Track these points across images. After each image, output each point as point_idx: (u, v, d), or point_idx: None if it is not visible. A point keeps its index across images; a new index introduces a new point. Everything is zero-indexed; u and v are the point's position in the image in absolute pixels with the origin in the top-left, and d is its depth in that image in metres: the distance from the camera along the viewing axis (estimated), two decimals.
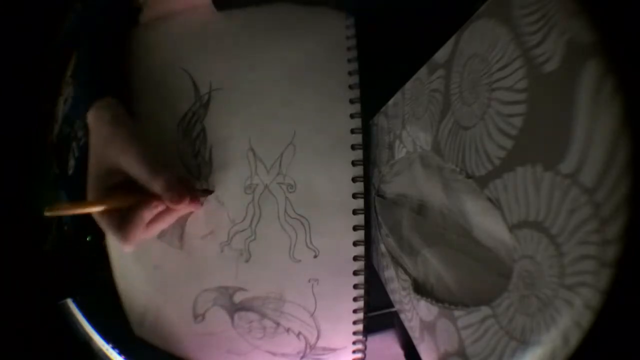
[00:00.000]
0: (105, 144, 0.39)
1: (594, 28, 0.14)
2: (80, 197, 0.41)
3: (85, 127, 0.41)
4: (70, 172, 0.44)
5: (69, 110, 0.43)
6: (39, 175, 0.46)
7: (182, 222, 0.43)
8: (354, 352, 0.44)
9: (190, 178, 0.43)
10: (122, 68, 0.45)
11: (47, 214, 0.33)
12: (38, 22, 0.42)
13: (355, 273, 0.42)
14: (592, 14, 0.14)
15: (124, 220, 0.38)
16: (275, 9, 0.44)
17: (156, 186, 0.38)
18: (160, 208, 0.39)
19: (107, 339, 0.44)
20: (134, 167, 0.38)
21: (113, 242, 0.46)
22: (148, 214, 0.38)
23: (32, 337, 0.40)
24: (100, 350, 0.44)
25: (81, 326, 0.44)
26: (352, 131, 0.42)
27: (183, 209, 0.40)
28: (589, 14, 0.14)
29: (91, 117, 0.41)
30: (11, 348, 0.38)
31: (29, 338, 0.40)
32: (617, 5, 0.14)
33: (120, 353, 0.44)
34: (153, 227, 0.40)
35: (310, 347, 0.44)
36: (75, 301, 0.45)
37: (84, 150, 0.41)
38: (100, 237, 0.45)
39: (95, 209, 0.37)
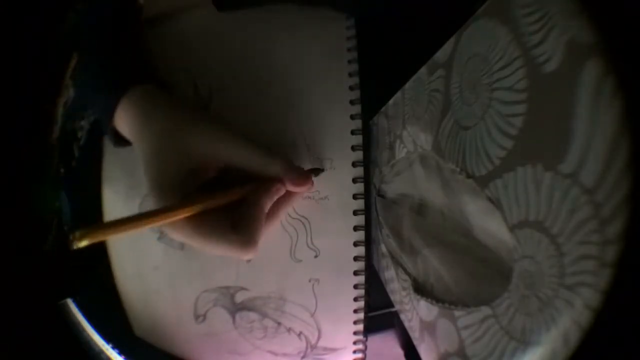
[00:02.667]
0: (180, 134, 0.31)
1: (594, 28, 0.14)
2: (80, 197, 0.41)
3: (114, 135, 0.35)
4: (71, 172, 0.44)
5: (76, 103, 0.37)
6: (39, 175, 0.46)
7: None
8: (354, 352, 0.44)
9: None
10: (147, 55, 0.39)
11: (80, 243, 0.24)
12: (38, 22, 0.42)
13: (355, 273, 0.42)
14: (592, 14, 0.14)
15: (238, 222, 0.31)
16: (276, 10, 0.44)
17: (275, 168, 0.32)
18: (282, 192, 0.33)
19: (107, 339, 0.44)
20: (242, 151, 0.32)
21: (113, 242, 0.46)
22: (269, 202, 0.32)
23: (32, 337, 0.40)
24: (101, 350, 0.44)
25: (81, 326, 0.44)
26: (353, 132, 0.42)
27: (300, 192, 0.36)
28: (589, 14, 0.14)
29: (129, 110, 0.33)
30: (11, 348, 0.38)
31: (29, 338, 0.40)
32: (617, 5, 0.14)
33: (120, 353, 0.44)
34: (272, 221, 0.34)
35: (311, 347, 0.44)
36: (75, 301, 0.45)
37: (85, 150, 0.41)
38: None
39: (188, 212, 0.28)
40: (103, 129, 0.37)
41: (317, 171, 0.41)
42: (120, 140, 0.37)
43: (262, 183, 0.33)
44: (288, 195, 0.35)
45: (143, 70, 0.37)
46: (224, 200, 0.31)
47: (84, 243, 0.24)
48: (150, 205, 0.31)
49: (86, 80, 0.38)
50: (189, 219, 0.29)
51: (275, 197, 0.33)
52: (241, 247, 0.30)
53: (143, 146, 0.32)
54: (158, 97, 0.34)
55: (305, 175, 0.34)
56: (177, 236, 0.30)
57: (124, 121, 0.34)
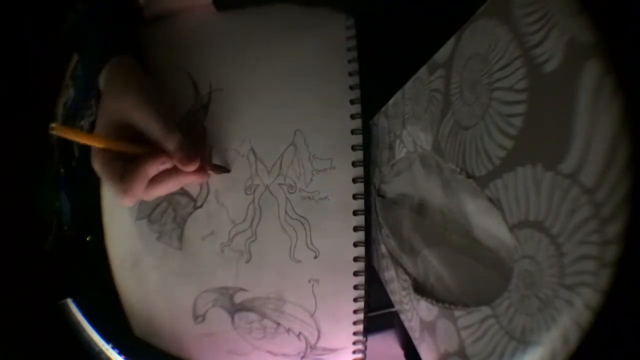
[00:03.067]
0: (119, 96, 0.38)
1: (594, 28, 0.14)
2: (80, 197, 0.41)
3: (96, 91, 0.41)
4: (71, 172, 0.44)
5: (79, 76, 0.43)
6: (39, 175, 0.46)
7: (182, 223, 0.43)
8: (354, 352, 0.44)
9: (208, 149, 0.43)
10: (134, 32, 0.45)
11: (53, 132, 0.32)
12: (38, 22, 0.42)
13: (355, 274, 0.42)
14: (592, 14, 0.14)
15: (126, 173, 0.37)
16: (276, 10, 0.44)
17: (169, 143, 0.37)
18: (167, 165, 0.38)
19: (107, 339, 0.44)
20: (147, 121, 0.37)
21: (113, 243, 0.46)
22: (153, 169, 0.37)
23: (32, 337, 0.40)
24: (100, 350, 0.44)
25: (81, 326, 0.44)
26: (353, 132, 0.42)
27: (189, 175, 0.39)
28: (589, 14, 0.14)
29: (105, 74, 0.40)
30: (11, 348, 0.38)
31: (29, 338, 0.40)
32: (617, 5, 0.14)
33: (120, 353, 0.44)
34: (154, 187, 0.39)
35: (311, 347, 0.44)
36: (75, 301, 0.45)
37: (85, 150, 0.41)
38: (100, 237, 0.45)
39: (98, 144, 0.36)
40: (90, 89, 0.43)
41: (220, 169, 0.42)
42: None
43: (155, 152, 0.38)
44: (176, 171, 0.39)
45: (126, 43, 0.43)
46: (123, 149, 0.37)
47: (54, 133, 0.32)
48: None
49: (86, 50, 0.44)
50: (101, 154, 0.37)
51: (161, 167, 0.38)
52: (118, 192, 0.37)
53: (101, 100, 0.40)
54: (125, 66, 0.41)
55: (192, 158, 0.38)
56: (93, 165, 0.38)
57: (101, 80, 0.41)
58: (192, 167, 0.38)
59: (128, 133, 0.38)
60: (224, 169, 0.42)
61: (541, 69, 0.16)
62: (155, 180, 0.38)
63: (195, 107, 0.44)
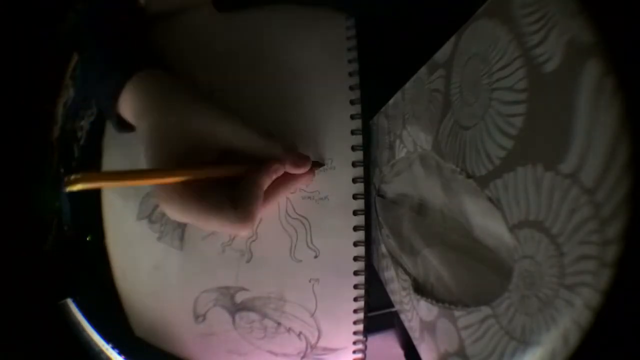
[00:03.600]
0: (182, 113, 0.32)
1: (594, 28, 0.14)
2: (80, 197, 0.41)
3: (116, 117, 0.35)
4: (71, 172, 0.44)
5: (88, 91, 0.38)
6: (39, 176, 0.46)
7: (182, 223, 0.43)
8: (354, 352, 0.44)
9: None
10: (150, 42, 0.40)
11: (74, 187, 0.24)
12: (38, 22, 0.42)
13: (355, 273, 0.42)
14: (592, 14, 0.14)
15: (235, 198, 0.31)
16: (276, 10, 0.44)
17: (275, 149, 0.33)
18: (281, 172, 0.34)
19: (107, 339, 0.44)
20: (242, 132, 0.32)
21: (114, 243, 0.46)
22: (267, 180, 0.33)
23: (32, 337, 0.40)
24: (100, 350, 0.44)
25: (81, 326, 0.44)
26: (353, 132, 0.42)
27: (301, 178, 0.37)
28: (589, 14, 0.14)
29: (135, 92, 0.33)
30: (11, 348, 0.38)
31: (29, 338, 0.40)
32: (617, 5, 0.14)
33: (120, 353, 0.44)
34: (268, 201, 0.34)
35: (311, 347, 0.44)
36: (75, 301, 0.45)
37: (85, 150, 0.41)
38: (100, 237, 0.45)
39: (182, 177, 0.28)
40: (106, 115, 0.37)
41: (317, 164, 0.41)
42: (124, 125, 0.37)
43: (261, 162, 0.34)
44: (287, 177, 0.36)
45: (148, 56, 0.38)
46: (219, 173, 0.31)
47: (77, 187, 0.24)
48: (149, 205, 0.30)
49: (90, 69, 0.38)
50: (182, 191, 0.29)
51: (274, 176, 0.34)
52: (239, 222, 0.31)
53: (145, 124, 0.32)
54: (163, 79, 0.35)
55: (305, 158, 0.35)
56: (174, 209, 0.30)
57: (128, 104, 0.34)
58: (308, 166, 0.35)
59: (212, 155, 0.33)
60: (321, 164, 0.41)
61: (541, 69, 0.16)
62: (267, 192, 0.34)
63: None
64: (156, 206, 0.43)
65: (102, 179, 0.26)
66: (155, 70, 0.36)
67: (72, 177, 0.24)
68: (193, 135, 0.32)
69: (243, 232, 0.32)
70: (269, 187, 0.34)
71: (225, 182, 0.33)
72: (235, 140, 0.33)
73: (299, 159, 0.35)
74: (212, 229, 0.33)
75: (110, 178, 0.26)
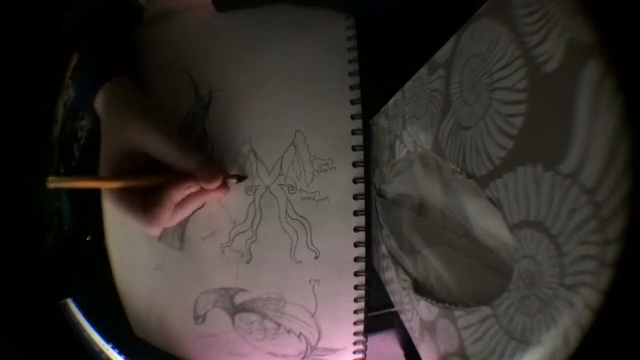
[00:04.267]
0: (122, 124, 0.37)
1: (594, 28, 0.14)
2: (80, 197, 0.41)
3: (92, 117, 0.40)
4: (71, 172, 0.44)
5: (75, 100, 0.42)
6: (39, 175, 0.46)
7: (183, 223, 0.43)
8: (354, 352, 0.44)
9: (221, 161, 0.42)
10: (129, 52, 0.44)
11: (51, 185, 0.32)
12: (38, 22, 0.42)
13: (356, 274, 0.42)
14: (592, 14, 0.14)
15: (149, 202, 0.36)
16: (276, 10, 0.44)
17: (188, 164, 0.36)
18: (193, 189, 0.37)
19: (107, 339, 0.44)
20: (160, 145, 0.36)
21: (113, 242, 0.46)
22: (178, 194, 0.36)
23: (32, 337, 0.40)
24: (100, 350, 0.44)
25: (81, 326, 0.44)
26: (353, 132, 0.42)
27: (213, 192, 0.39)
28: (589, 14, 0.14)
29: (101, 99, 0.38)
30: (11, 348, 0.38)
31: (29, 338, 0.40)
32: (617, 5, 0.14)
33: (120, 353, 0.44)
34: (179, 212, 0.38)
35: (312, 347, 0.44)
36: (75, 301, 0.45)
37: (85, 150, 0.41)
38: (100, 237, 0.45)
39: (115, 185, 0.35)
40: (85, 112, 0.42)
41: (239, 178, 0.42)
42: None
43: (176, 175, 0.37)
44: (199, 191, 0.38)
45: (121, 65, 0.42)
46: (144, 183, 0.36)
47: (51, 185, 0.32)
48: None
49: (82, 73, 0.43)
50: (117, 191, 0.36)
51: (187, 192, 0.37)
52: (145, 223, 0.36)
53: (102, 129, 0.39)
54: (122, 88, 0.40)
55: (215, 176, 0.38)
56: (110, 202, 0.37)
57: (97, 105, 0.40)
58: (217, 183, 0.38)
59: (136, 160, 0.37)
60: (242, 177, 0.42)
61: (541, 69, 0.16)
62: (179, 205, 0.38)
63: (196, 108, 0.44)
64: None
65: (66, 182, 0.34)
66: (122, 77, 0.40)
67: (49, 178, 0.32)
68: (128, 144, 0.37)
69: (150, 232, 0.38)
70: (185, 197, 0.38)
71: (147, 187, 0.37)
72: (155, 153, 0.37)
73: (211, 176, 0.37)
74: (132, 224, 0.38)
75: (71, 182, 0.34)
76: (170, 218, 0.37)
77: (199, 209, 0.42)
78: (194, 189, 0.37)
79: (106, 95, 0.38)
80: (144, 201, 0.36)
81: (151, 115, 0.38)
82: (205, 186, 0.37)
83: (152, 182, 0.36)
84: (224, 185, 0.40)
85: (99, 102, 0.39)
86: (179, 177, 0.37)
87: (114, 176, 0.36)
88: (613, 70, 0.13)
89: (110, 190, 0.36)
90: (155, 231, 0.38)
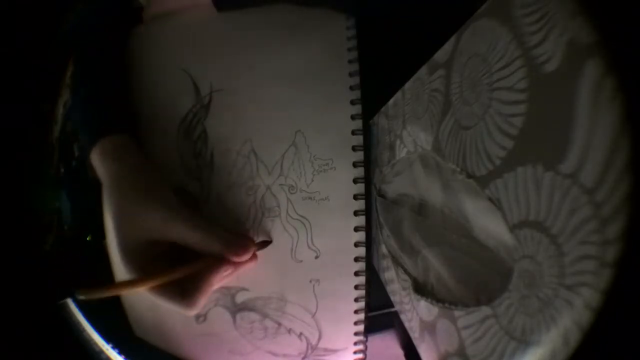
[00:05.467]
0: (141, 214, 0.35)
1: (594, 28, 0.14)
2: (80, 197, 0.41)
3: (90, 179, 0.38)
4: (71, 172, 0.44)
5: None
6: (39, 175, 0.46)
7: None
8: (354, 352, 0.44)
9: (243, 232, 0.42)
10: (126, 92, 0.42)
11: (81, 297, 0.31)
12: (38, 22, 0.42)
13: (356, 274, 0.42)
14: (592, 14, 0.14)
15: (186, 288, 0.35)
16: (276, 10, 0.44)
17: (216, 246, 0.36)
18: (230, 272, 0.36)
19: (107, 339, 0.44)
20: (185, 234, 0.35)
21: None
22: (217, 279, 0.36)
23: (32, 337, 0.40)
24: (100, 350, 0.44)
25: (81, 326, 0.44)
26: (353, 132, 0.42)
27: (244, 264, 0.38)
28: (589, 14, 0.14)
29: (103, 165, 0.37)
30: (11, 348, 0.38)
31: (29, 338, 0.40)
32: (617, 5, 0.14)
33: (120, 353, 0.44)
34: (216, 286, 0.37)
35: (312, 347, 0.44)
36: (75, 301, 0.45)
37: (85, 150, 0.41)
38: (100, 237, 0.45)
39: (147, 285, 0.33)
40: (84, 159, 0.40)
41: (265, 244, 0.41)
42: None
43: (212, 261, 0.36)
44: (234, 264, 0.37)
45: (121, 119, 0.41)
46: (178, 276, 0.34)
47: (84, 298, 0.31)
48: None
49: (76, 112, 0.42)
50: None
51: (225, 275, 0.36)
52: (182, 308, 0.35)
53: (110, 210, 0.37)
54: (127, 152, 0.38)
55: (246, 249, 0.37)
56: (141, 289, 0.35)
57: (96, 164, 0.38)
58: (249, 254, 0.38)
59: (159, 247, 0.36)
60: (268, 242, 0.42)
61: (541, 69, 0.16)
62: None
63: (196, 108, 0.44)
64: None
65: (98, 293, 0.32)
66: (123, 136, 0.38)
67: (79, 291, 0.31)
68: (146, 231, 0.35)
69: (189, 315, 0.38)
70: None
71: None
72: (179, 240, 0.36)
73: (242, 252, 0.37)
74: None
75: (103, 292, 0.32)
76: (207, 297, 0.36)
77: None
78: (231, 271, 0.37)
79: (108, 161, 0.37)
80: (180, 288, 0.35)
81: (170, 204, 0.36)
82: (238, 260, 0.37)
83: (186, 272, 0.35)
84: (254, 256, 0.39)
85: (100, 167, 0.37)
86: (213, 263, 0.36)
87: (146, 276, 0.34)
88: (613, 70, 0.13)
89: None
90: (191, 313, 0.36)
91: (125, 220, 0.36)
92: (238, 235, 0.38)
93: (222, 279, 0.37)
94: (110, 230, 0.37)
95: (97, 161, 0.37)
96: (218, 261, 0.36)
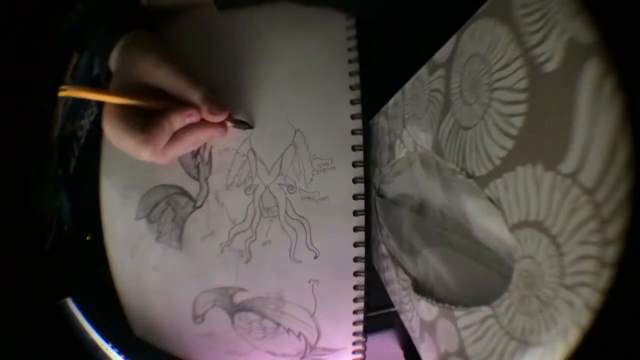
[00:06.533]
0: (136, 59, 0.38)
1: (594, 28, 0.14)
2: (80, 197, 0.41)
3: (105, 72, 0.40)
4: (71, 172, 0.44)
5: (82, 66, 0.43)
6: (39, 175, 0.46)
7: (181, 222, 0.43)
8: (353, 352, 0.44)
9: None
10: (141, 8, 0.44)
11: (62, 94, 0.32)
12: (38, 22, 0.42)
13: (355, 274, 0.42)
14: (592, 14, 0.14)
15: (148, 125, 0.36)
16: (276, 9, 0.44)
17: (196, 94, 0.37)
18: (194, 118, 0.38)
19: (107, 339, 0.44)
20: (170, 77, 0.37)
21: (113, 242, 0.46)
22: (179, 119, 0.37)
23: (32, 337, 0.40)
24: (100, 350, 0.44)
25: (81, 326, 0.44)
26: (353, 132, 0.42)
27: (211, 129, 0.40)
28: (589, 14, 0.14)
29: (118, 50, 0.39)
30: (11, 348, 0.38)
31: (29, 338, 0.40)
32: (617, 5, 0.14)
33: (120, 353, 0.44)
34: (174, 144, 0.39)
35: (311, 347, 0.44)
36: (75, 301, 0.45)
37: (85, 150, 0.41)
38: (100, 237, 0.45)
39: (119, 100, 0.35)
40: (99, 67, 0.42)
41: (243, 124, 0.42)
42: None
43: (181, 103, 0.38)
44: (197, 126, 0.39)
45: (137, 19, 0.43)
46: (148, 104, 0.37)
47: (64, 94, 0.33)
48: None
49: (92, 22, 0.43)
50: (116, 111, 0.36)
51: (187, 120, 0.38)
52: (139, 144, 0.37)
53: (115, 69, 0.40)
54: (141, 38, 0.40)
55: (219, 108, 0.38)
56: (105, 123, 0.37)
57: (114, 56, 0.40)
58: (222, 117, 0.39)
59: (146, 93, 0.38)
60: (246, 124, 0.42)
61: (541, 69, 0.16)
62: (175, 136, 0.38)
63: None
64: (155, 205, 0.44)
65: (76, 92, 0.34)
66: (141, 30, 0.41)
67: (62, 87, 0.33)
68: (142, 75, 0.38)
69: (142, 156, 0.38)
70: (178, 131, 0.38)
71: (150, 113, 0.38)
72: (165, 84, 0.38)
73: (215, 107, 0.38)
74: (124, 148, 0.38)
75: (81, 92, 0.35)
76: (165, 145, 0.38)
77: (193, 148, 0.42)
78: (195, 118, 0.38)
79: (124, 44, 0.39)
80: (144, 124, 0.37)
81: (167, 54, 0.39)
82: (207, 117, 0.38)
83: (157, 105, 0.37)
84: (224, 125, 0.41)
85: (116, 52, 0.39)
86: (181, 104, 0.38)
87: (121, 92, 0.37)
88: (613, 70, 0.13)
89: (113, 110, 0.36)
90: (148, 154, 0.37)
91: (122, 65, 0.39)
92: (219, 98, 0.39)
93: (182, 123, 0.38)
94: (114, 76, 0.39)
95: (119, 49, 0.39)
96: (186, 105, 0.38)
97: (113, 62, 0.40)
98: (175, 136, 0.38)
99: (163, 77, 0.37)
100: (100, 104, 0.43)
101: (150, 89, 0.38)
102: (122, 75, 0.38)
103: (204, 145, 0.43)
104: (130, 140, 0.37)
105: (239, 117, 0.42)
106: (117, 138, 0.37)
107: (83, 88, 0.35)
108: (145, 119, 0.37)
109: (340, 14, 0.43)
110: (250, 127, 0.42)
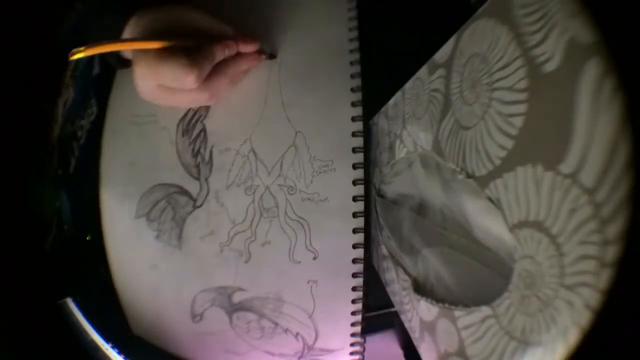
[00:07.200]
0: (166, 12, 0.38)
1: (594, 28, 0.14)
2: (80, 197, 0.40)
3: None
4: (71, 172, 0.44)
5: (85, 30, 0.42)
6: (39, 175, 0.46)
7: (180, 222, 0.43)
8: (351, 353, 0.44)
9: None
10: None
11: (79, 55, 0.32)
12: (38, 22, 0.42)
13: (354, 275, 0.42)
14: (592, 14, 0.14)
15: (191, 55, 0.36)
16: (277, 10, 0.44)
17: (229, 29, 0.39)
18: (233, 48, 0.39)
19: (107, 339, 0.44)
20: (204, 18, 0.38)
21: (113, 242, 0.46)
22: (220, 51, 0.38)
23: (32, 337, 0.40)
24: (100, 350, 0.44)
25: (81, 326, 0.44)
26: (354, 134, 0.42)
27: (248, 59, 0.41)
28: (589, 14, 0.14)
29: (131, 25, 0.38)
30: (11, 348, 0.38)
31: (29, 338, 0.40)
32: (617, 5, 0.14)
33: (119, 352, 0.44)
34: (221, 75, 0.40)
35: (308, 347, 0.44)
36: (75, 301, 0.45)
37: (85, 150, 0.41)
38: (99, 236, 0.45)
39: (156, 45, 0.35)
40: (108, 56, 0.42)
41: (270, 55, 0.43)
42: (124, 63, 0.42)
43: (219, 38, 0.39)
44: (235, 59, 0.40)
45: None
46: (187, 43, 0.37)
47: (78, 55, 0.33)
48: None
49: (95, 6, 0.42)
50: (159, 51, 0.36)
51: (227, 51, 0.39)
52: (185, 66, 0.36)
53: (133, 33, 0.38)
54: (151, 8, 0.39)
55: (252, 38, 0.40)
56: (138, 65, 0.37)
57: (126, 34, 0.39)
58: (255, 46, 0.40)
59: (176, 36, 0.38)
60: (273, 55, 0.44)
61: (541, 69, 0.16)
62: (216, 70, 0.39)
63: (197, 106, 0.44)
64: (154, 204, 0.44)
65: (100, 47, 0.33)
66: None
67: (76, 49, 0.32)
68: (171, 21, 0.38)
69: (188, 80, 0.36)
70: (223, 62, 0.39)
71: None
72: (201, 24, 0.38)
73: (248, 38, 0.40)
74: (164, 77, 0.37)
75: (106, 46, 0.34)
76: (210, 79, 0.39)
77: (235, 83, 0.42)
78: (233, 48, 0.39)
79: (137, 17, 0.38)
80: (186, 55, 0.36)
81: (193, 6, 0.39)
82: (243, 48, 0.40)
83: (195, 43, 0.37)
84: (258, 54, 0.42)
85: (131, 26, 0.39)
86: (220, 39, 0.39)
87: (158, 36, 0.36)
88: (613, 70, 0.13)
89: (145, 53, 0.36)
90: (191, 80, 0.36)
91: (146, 22, 0.38)
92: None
93: (222, 54, 0.39)
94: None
95: (131, 27, 0.38)
96: (224, 38, 0.39)
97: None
98: (217, 70, 0.39)
99: (197, 20, 0.38)
100: (100, 104, 0.43)
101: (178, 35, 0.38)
102: (148, 29, 0.38)
103: (205, 145, 0.43)
104: (175, 63, 0.36)
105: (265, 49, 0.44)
106: (155, 70, 0.37)
107: (107, 42, 0.34)
108: (185, 54, 0.37)
109: (342, 15, 0.43)
110: (275, 56, 0.44)
